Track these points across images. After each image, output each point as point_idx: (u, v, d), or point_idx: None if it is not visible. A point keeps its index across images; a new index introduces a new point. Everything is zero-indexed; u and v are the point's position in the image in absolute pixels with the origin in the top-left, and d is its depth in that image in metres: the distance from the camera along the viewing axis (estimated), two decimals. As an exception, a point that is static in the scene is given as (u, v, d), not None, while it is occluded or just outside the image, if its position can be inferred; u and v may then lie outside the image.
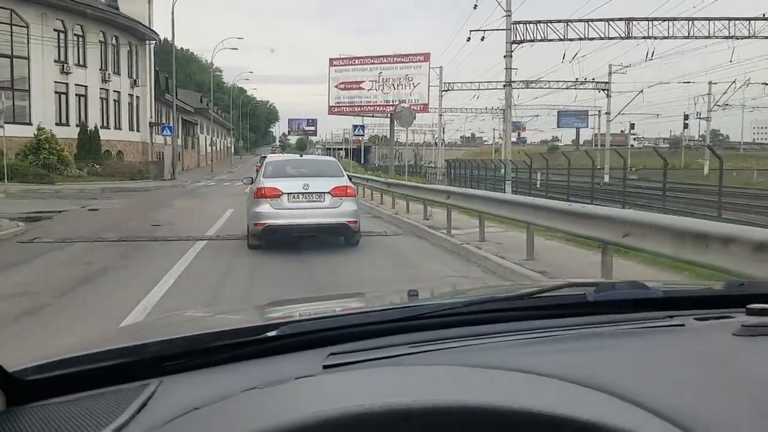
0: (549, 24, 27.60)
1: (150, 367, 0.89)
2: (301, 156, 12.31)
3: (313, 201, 9.12)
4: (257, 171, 10.83)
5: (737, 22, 27.32)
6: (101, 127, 34.46)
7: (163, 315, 3.78)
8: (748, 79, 44.91)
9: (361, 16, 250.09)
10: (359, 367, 0.86)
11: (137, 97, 40.73)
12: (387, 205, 16.48)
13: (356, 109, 41.96)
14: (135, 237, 10.71)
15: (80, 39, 34.80)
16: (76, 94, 34.27)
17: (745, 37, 27.45)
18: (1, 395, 0.81)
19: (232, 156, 78.32)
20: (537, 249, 7.75)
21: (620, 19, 27.67)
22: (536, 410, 0.67)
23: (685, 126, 55.62)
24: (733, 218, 12.92)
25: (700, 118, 52.80)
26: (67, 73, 33.42)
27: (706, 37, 27.57)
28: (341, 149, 74.12)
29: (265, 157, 13.90)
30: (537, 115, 65.06)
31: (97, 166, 31.73)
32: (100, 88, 36.19)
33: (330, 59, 42.21)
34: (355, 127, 37.08)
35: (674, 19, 27.43)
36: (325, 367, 0.86)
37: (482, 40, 28.61)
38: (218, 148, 71.57)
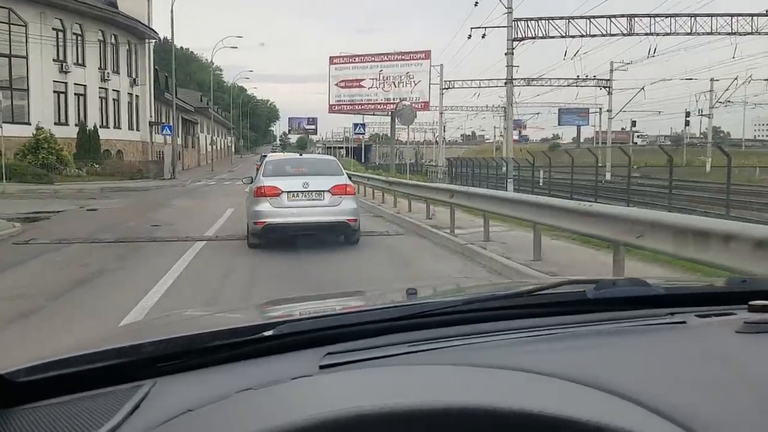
0: (550, 21, 27.53)
1: (144, 367, 0.88)
2: (300, 155, 12.36)
3: (313, 199, 9.13)
4: (257, 170, 10.81)
5: (740, 18, 27.31)
6: (100, 127, 34.33)
7: (162, 314, 3.74)
8: (750, 76, 44.90)
9: (361, 15, 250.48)
10: (356, 367, 0.85)
11: (137, 96, 40.65)
12: (388, 204, 16.36)
13: (357, 107, 41.87)
14: (134, 237, 10.64)
15: (79, 38, 34.68)
16: (75, 94, 34.14)
17: (748, 34, 27.39)
18: None
19: (232, 155, 78.36)
20: (543, 249, 7.58)
21: (622, 16, 27.64)
22: (537, 411, 0.67)
23: (687, 123, 55.60)
24: (744, 217, 12.77)
25: (701, 115, 52.78)
26: (66, 73, 33.29)
27: (708, 34, 27.55)
28: (342, 148, 74.10)
29: (265, 156, 13.87)
30: (538, 113, 65.02)
31: (97, 166, 31.57)
32: (100, 88, 36.10)
33: (330, 57, 42.17)
34: (355, 125, 36.79)
35: (676, 15, 27.39)
36: (322, 367, 0.84)
37: (483, 37, 28.60)
38: (218, 147, 71.50)
